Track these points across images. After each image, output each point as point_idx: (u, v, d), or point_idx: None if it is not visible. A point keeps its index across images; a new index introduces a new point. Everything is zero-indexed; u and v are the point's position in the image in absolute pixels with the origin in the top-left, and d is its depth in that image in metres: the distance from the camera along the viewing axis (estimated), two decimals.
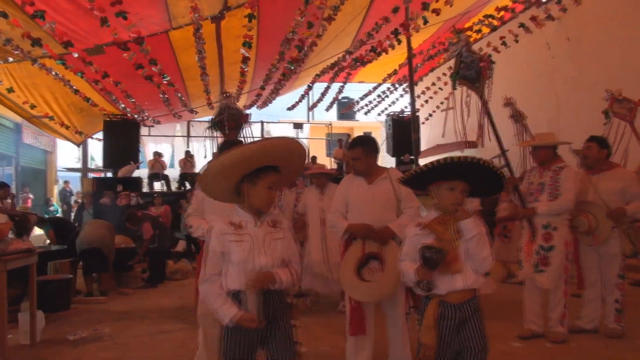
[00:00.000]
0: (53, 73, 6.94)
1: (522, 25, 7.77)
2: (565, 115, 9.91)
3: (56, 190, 16.32)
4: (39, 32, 5.62)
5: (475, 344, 2.17)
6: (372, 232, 3.10)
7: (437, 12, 6.60)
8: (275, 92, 10.64)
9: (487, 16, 7.95)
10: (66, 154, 17.73)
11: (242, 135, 6.00)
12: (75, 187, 16.47)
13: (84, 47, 6.85)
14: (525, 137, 5.39)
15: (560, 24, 8.44)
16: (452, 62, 4.74)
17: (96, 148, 15.00)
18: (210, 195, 2.31)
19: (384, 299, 3.14)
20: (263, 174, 2.17)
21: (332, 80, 10.64)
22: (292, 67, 7.84)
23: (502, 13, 7.60)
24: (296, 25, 6.31)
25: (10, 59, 7.18)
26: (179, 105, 10.99)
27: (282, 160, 2.22)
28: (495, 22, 7.92)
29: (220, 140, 6.24)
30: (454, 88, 4.70)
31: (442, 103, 9.07)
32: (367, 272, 3.11)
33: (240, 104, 13.71)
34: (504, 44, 8.66)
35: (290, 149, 2.23)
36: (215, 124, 5.64)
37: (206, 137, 17.82)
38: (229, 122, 5.43)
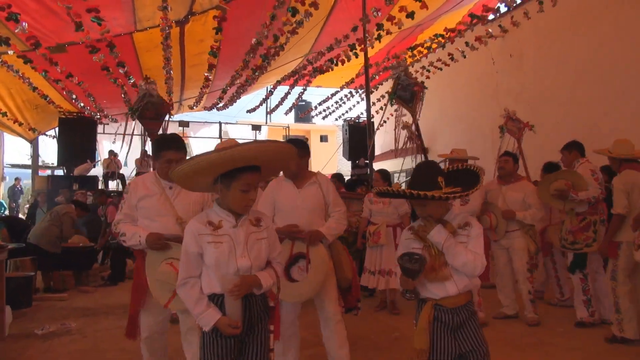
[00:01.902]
0: (14, 70, 6.89)
1: (467, 43, 8.44)
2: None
3: (3, 187, 15.73)
4: (3, 30, 5.66)
5: (478, 347, 2.14)
6: (298, 232, 3.08)
7: (389, 32, 7.09)
8: (237, 96, 10.86)
9: (436, 35, 8.58)
10: (13, 151, 17.10)
11: (163, 127, 5.49)
12: (26, 184, 15.96)
13: (46, 45, 6.87)
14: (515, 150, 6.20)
15: (504, 41, 9.20)
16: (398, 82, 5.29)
17: (48, 145, 14.65)
18: (186, 187, 2.22)
19: (315, 300, 3.13)
20: (240, 175, 2.02)
21: (292, 86, 11.00)
22: (256, 74, 8.13)
23: (449, 34, 8.24)
24: (261, 37, 6.61)
25: None
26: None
27: (268, 162, 2.12)
28: (443, 41, 8.57)
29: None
30: (390, 104, 5.31)
31: (395, 111, 9.64)
32: (297, 272, 3.10)
33: (201, 105, 13.85)
34: (452, 59, 9.33)
35: (286, 155, 2.21)
36: (134, 112, 5.04)
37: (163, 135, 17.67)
38: (149, 110, 5.01)
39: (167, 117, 5.60)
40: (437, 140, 12.85)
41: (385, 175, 5.73)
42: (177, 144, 2.94)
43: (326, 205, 3.28)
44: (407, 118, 6.17)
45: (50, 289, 6.71)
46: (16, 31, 4.86)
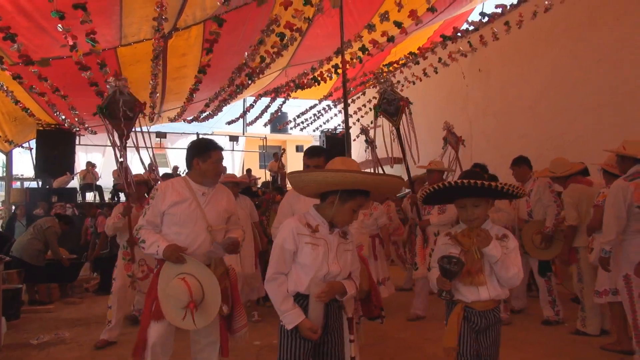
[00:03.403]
0: None
1: (440, 59, 8.94)
2: (476, 136, 11.30)
3: None
4: None
5: (494, 354, 2.25)
6: None
7: (369, 54, 7.48)
8: (219, 109, 11.08)
9: (411, 53, 9.06)
10: None
11: (135, 127, 5.13)
12: None
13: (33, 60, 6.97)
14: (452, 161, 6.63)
15: (474, 56, 9.73)
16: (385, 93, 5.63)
17: (21, 157, 14.45)
18: (300, 191, 2.30)
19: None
20: (357, 196, 2.16)
21: (272, 100, 11.31)
22: (239, 90, 8.40)
23: (424, 52, 8.73)
24: (249, 59, 6.89)
25: None
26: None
27: (379, 190, 2.26)
28: (417, 58, 9.05)
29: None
30: (375, 117, 5.69)
31: (371, 122, 10.06)
32: None
33: (173, 114, 13.96)
34: (425, 74, 9.82)
35: (397, 187, 2.33)
36: (103, 111, 4.68)
37: (141, 147, 17.65)
38: (117, 111, 4.62)
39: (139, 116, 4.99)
40: (409, 151, 13.32)
41: None
42: (219, 145, 3.04)
43: None
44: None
45: (36, 302, 6.75)
46: (11, 49, 4.99)
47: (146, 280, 4.46)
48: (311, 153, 3.29)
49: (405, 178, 5.41)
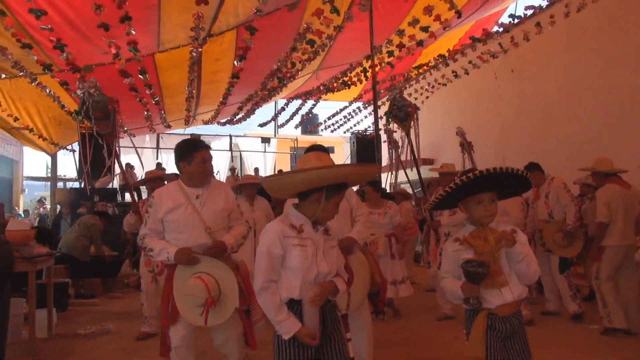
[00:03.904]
0: (47, 90, 7.42)
1: (471, 61, 8.92)
2: (509, 138, 11.18)
3: (22, 199, 16.24)
4: (42, 55, 6.18)
5: (526, 358, 2.16)
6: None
7: (400, 57, 7.59)
8: (252, 111, 11.39)
9: (441, 55, 9.08)
10: (32, 163, 17.64)
11: (112, 125, 5.15)
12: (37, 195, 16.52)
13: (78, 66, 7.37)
14: (467, 164, 6.78)
15: (506, 57, 9.65)
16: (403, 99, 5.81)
17: (64, 159, 15.17)
18: (278, 195, 2.26)
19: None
20: (341, 190, 2.11)
21: (303, 103, 11.53)
22: (272, 93, 8.64)
23: (453, 54, 8.74)
24: (281, 65, 7.11)
25: (3, 76, 7.61)
26: (157, 120, 11.54)
27: (355, 180, 2.26)
28: (447, 60, 9.07)
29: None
30: (387, 124, 5.87)
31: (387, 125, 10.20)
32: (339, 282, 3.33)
33: (207, 117, 14.36)
34: (456, 76, 9.81)
35: (372, 175, 2.43)
36: (81, 114, 4.83)
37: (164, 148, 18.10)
38: (94, 111, 4.70)
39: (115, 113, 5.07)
40: (442, 152, 13.27)
41: (377, 186, 6.06)
42: (205, 143, 2.97)
43: (351, 210, 3.30)
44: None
45: (81, 295, 7.15)
46: (59, 57, 5.35)
47: (163, 276, 4.50)
48: (321, 150, 3.21)
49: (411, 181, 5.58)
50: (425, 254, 6.79)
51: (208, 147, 2.96)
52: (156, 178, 5.15)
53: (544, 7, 6.93)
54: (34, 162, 17.71)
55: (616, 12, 7.91)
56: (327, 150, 3.27)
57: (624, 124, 7.84)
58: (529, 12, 7.01)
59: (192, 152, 2.85)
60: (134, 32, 5.09)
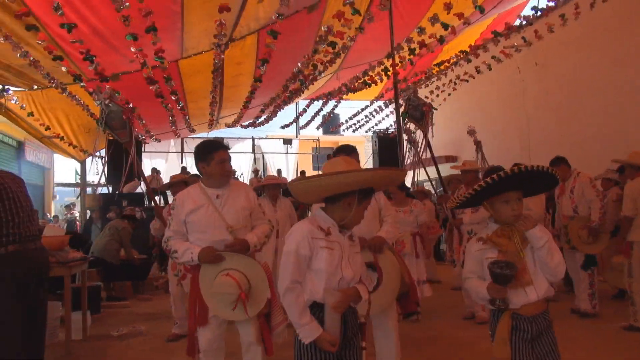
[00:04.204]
0: (77, 99, 7.66)
1: (494, 57, 8.81)
2: (534, 132, 10.99)
3: (53, 205, 16.77)
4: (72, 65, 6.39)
5: None
6: (363, 240, 2.93)
7: (420, 55, 7.60)
8: (274, 114, 11.50)
9: (462, 51, 8.99)
10: (62, 170, 18.22)
11: (129, 133, 5.26)
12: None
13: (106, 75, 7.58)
14: (481, 161, 6.89)
15: (530, 49, 9.50)
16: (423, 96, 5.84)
17: (92, 165, 15.59)
18: (307, 199, 2.23)
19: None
20: (371, 194, 2.10)
21: (325, 104, 11.58)
22: (293, 96, 8.72)
23: (475, 49, 8.65)
24: (303, 67, 7.18)
25: (35, 87, 7.88)
26: (182, 125, 11.75)
27: (381, 185, 2.25)
28: (468, 56, 8.97)
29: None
30: (404, 122, 5.89)
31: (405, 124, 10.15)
32: (368, 282, 3.10)
33: (230, 120, 14.55)
34: (478, 71, 9.70)
35: (399, 179, 2.41)
36: (102, 124, 4.94)
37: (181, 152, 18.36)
38: (112, 121, 4.83)
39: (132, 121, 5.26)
40: (465, 148, 13.15)
41: (403, 185, 6.02)
42: (223, 144, 3.00)
43: (379, 209, 3.31)
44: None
45: (112, 298, 7.35)
46: (89, 68, 5.53)
47: (187, 280, 4.37)
48: (349, 150, 3.26)
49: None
50: (449, 252, 6.77)
51: (226, 148, 2.99)
52: (180, 182, 5.24)
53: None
54: (63, 169, 18.32)
55: None
56: (355, 150, 3.34)
57: None
58: (552, 3, 6.86)
59: (211, 153, 2.89)
60: (160, 40, 5.20)
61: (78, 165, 16.13)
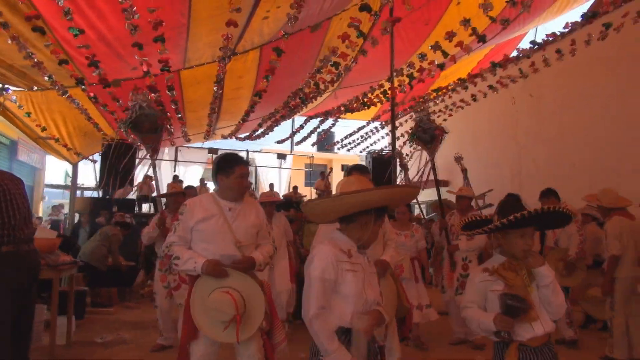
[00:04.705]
0: (76, 102, 7.67)
1: (491, 87, 9.00)
2: (525, 162, 11.15)
3: (42, 206, 16.58)
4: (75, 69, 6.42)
5: None
6: None
7: (421, 80, 7.74)
8: (270, 128, 11.57)
9: (460, 79, 9.19)
10: (52, 172, 18.07)
11: (157, 139, 5.11)
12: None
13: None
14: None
15: (525, 81, 9.71)
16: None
17: (84, 168, 15.51)
18: (314, 219, 2.25)
19: None
20: (385, 213, 2.12)
21: (322, 122, 11.70)
22: (292, 112, 8.82)
23: (473, 78, 8.85)
24: (306, 86, 7.28)
25: (35, 88, 7.89)
26: (178, 133, 11.78)
27: (395, 203, 2.33)
28: (466, 84, 9.16)
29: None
30: (409, 144, 5.91)
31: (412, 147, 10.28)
32: None
33: (227, 132, 14.60)
34: (474, 99, 9.89)
35: (413, 197, 2.33)
36: (128, 125, 4.82)
37: (194, 162, 18.44)
38: (144, 124, 4.75)
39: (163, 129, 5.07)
40: (457, 174, 13.30)
41: (409, 207, 6.11)
42: (244, 159, 2.99)
43: (383, 233, 3.28)
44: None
45: (97, 304, 7.26)
46: (93, 74, 5.57)
47: (180, 290, 4.56)
48: (363, 170, 3.30)
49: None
50: (436, 277, 6.76)
51: (247, 163, 2.98)
52: (179, 194, 5.24)
53: (564, 33, 6.98)
54: (53, 170, 18.18)
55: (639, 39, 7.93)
56: (368, 170, 3.38)
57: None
58: (550, 38, 7.06)
59: (232, 166, 2.88)
60: (167, 51, 5.27)
61: (69, 167, 16.06)
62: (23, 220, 2.85)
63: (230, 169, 2.87)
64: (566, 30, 6.80)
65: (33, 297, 2.98)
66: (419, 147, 6.37)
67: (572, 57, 8.21)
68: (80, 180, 16.23)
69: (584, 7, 9.22)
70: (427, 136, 5.52)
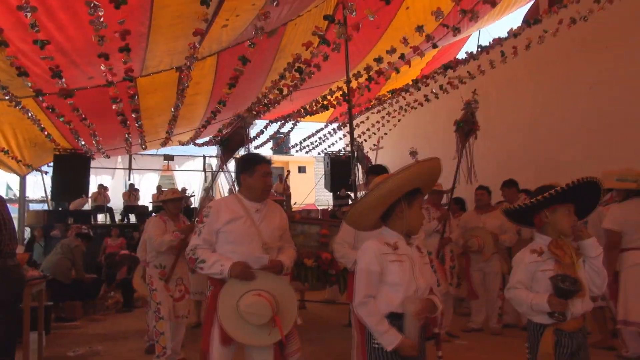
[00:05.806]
0: (29, 113, 7.44)
1: (442, 87, 9.49)
2: (477, 159, 11.68)
3: None
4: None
5: None
6: None
7: (377, 82, 8.03)
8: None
9: (414, 80, 9.64)
10: None
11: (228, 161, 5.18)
12: None
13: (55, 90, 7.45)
14: None
15: (474, 81, 10.24)
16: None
17: (34, 180, 14.87)
18: (359, 228, 2.33)
19: None
20: (417, 194, 2.18)
21: (281, 126, 11.86)
22: (256, 116, 8.91)
23: (425, 79, 9.33)
24: (269, 92, 7.41)
25: None
26: (135, 141, 11.59)
27: (425, 180, 2.26)
28: (418, 84, 9.62)
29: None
30: (455, 130, 5.46)
31: (374, 145, 10.59)
32: None
33: (184, 138, 14.44)
34: (427, 100, 10.37)
35: (437, 170, 2.32)
36: (224, 140, 5.00)
37: (149, 169, 18.02)
38: (231, 143, 4.91)
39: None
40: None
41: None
42: (267, 158, 2.97)
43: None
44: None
45: (61, 319, 7.08)
46: (56, 85, 5.46)
47: (183, 302, 4.53)
48: (378, 171, 3.29)
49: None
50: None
51: (269, 162, 2.96)
52: (179, 199, 5.04)
53: (504, 39, 7.53)
54: None
55: (573, 44, 8.60)
56: (386, 170, 3.38)
57: (584, 145, 8.46)
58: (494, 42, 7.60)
59: (255, 165, 2.86)
60: (130, 60, 5.27)
61: (10, 179, 15.33)
62: (9, 236, 2.86)
63: (253, 168, 2.86)
64: (508, 37, 7.34)
65: (18, 312, 2.98)
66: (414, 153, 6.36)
67: (514, 59, 8.79)
68: (29, 193, 15.55)
69: (522, 11, 9.94)
70: (467, 129, 5.32)
